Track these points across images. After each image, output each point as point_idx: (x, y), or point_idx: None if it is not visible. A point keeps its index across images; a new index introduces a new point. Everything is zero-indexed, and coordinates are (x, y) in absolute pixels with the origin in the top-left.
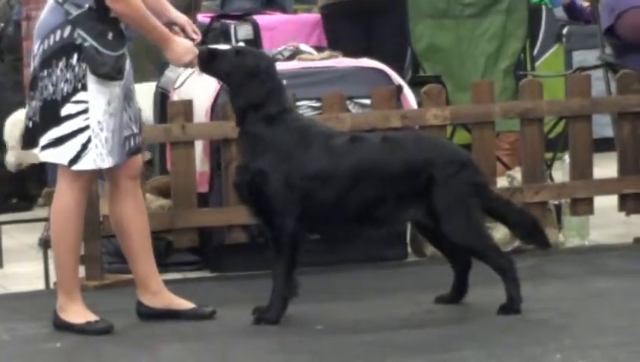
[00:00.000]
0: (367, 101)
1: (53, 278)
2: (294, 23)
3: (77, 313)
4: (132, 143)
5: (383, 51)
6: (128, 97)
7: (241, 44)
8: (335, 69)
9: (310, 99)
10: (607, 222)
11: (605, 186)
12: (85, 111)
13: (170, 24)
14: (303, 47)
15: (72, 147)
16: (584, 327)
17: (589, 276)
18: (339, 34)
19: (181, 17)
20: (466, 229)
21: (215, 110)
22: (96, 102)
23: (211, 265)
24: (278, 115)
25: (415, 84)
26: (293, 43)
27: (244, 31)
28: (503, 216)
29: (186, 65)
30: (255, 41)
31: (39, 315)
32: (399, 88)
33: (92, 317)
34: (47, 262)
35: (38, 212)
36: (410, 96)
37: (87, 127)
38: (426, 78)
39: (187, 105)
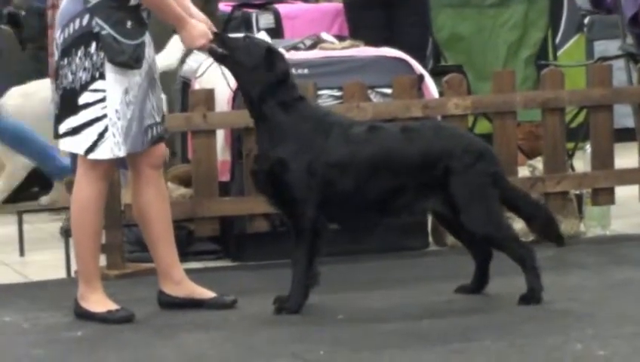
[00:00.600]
0: (388, 90)
1: (74, 267)
2: (316, 11)
3: (98, 302)
4: (154, 132)
5: (405, 41)
6: (152, 85)
7: (263, 32)
8: (356, 59)
9: (331, 88)
10: (628, 212)
11: (626, 176)
12: (103, 100)
13: None
14: (325, 36)
15: (88, 136)
16: (605, 317)
17: (610, 266)
18: (360, 23)
19: (200, 15)
20: (484, 219)
21: (237, 99)
22: (113, 91)
23: (232, 254)
24: (293, 102)
25: (436, 74)
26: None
27: (265, 20)
28: (518, 208)
29: (199, 49)
30: (277, 29)
31: (60, 304)
32: (420, 77)
33: (113, 306)
34: (68, 251)
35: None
36: (431, 86)
37: (104, 116)
38: (448, 67)
39: (209, 94)
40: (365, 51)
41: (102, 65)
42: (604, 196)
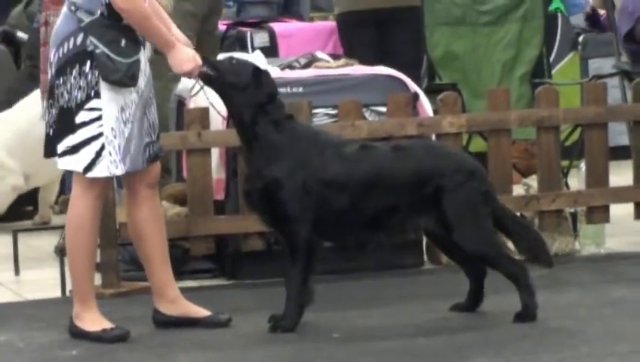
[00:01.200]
0: (383, 109)
1: (69, 286)
2: (311, 30)
3: (93, 321)
4: (151, 150)
5: (399, 59)
6: (148, 104)
7: (258, 51)
8: (351, 77)
9: (326, 106)
10: (623, 230)
11: (621, 194)
12: (99, 118)
13: None
14: (320, 54)
15: (86, 154)
16: (600, 335)
17: (605, 284)
18: (355, 42)
19: (183, 38)
20: (477, 237)
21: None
22: (109, 110)
23: (227, 272)
24: (284, 120)
25: (431, 92)
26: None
27: (260, 38)
28: (507, 229)
29: (187, 74)
30: (271, 48)
31: (55, 323)
32: (415, 96)
33: (108, 325)
34: (63, 270)
35: (54, 219)
36: (426, 104)
37: (100, 135)
38: (442, 85)
39: (203, 113)
40: (360, 70)
41: (97, 83)
42: (598, 214)
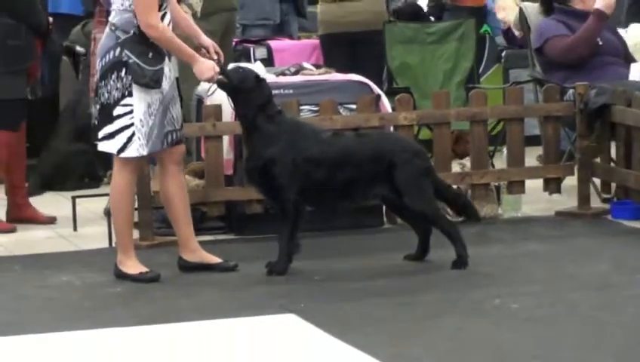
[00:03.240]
0: (353, 106)
1: (114, 239)
2: (299, 46)
3: (132, 266)
4: (174, 136)
5: (366, 68)
6: (173, 100)
7: (258, 62)
8: (329, 82)
9: (310, 104)
10: (535, 199)
11: (534, 172)
12: (131, 112)
13: (200, 47)
14: (305, 64)
15: (120, 140)
16: (518, 278)
17: (521, 240)
18: (333, 55)
19: (207, 41)
20: (420, 201)
21: None
22: (138, 105)
23: (235, 229)
24: (276, 115)
25: (390, 94)
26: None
27: (260, 52)
28: (444, 196)
29: (207, 80)
30: (269, 60)
31: (104, 267)
32: (378, 97)
33: (144, 269)
34: (110, 227)
35: (103, 188)
36: (386, 103)
37: (131, 124)
38: (399, 89)
39: (217, 109)
40: (336, 76)
41: (130, 85)
42: (517, 187)
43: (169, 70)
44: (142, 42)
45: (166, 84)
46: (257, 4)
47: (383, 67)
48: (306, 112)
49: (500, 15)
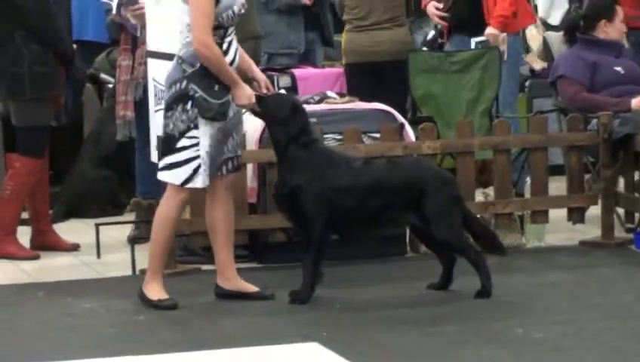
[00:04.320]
0: (377, 135)
1: (139, 266)
2: (322, 74)
3: (155, 290)
4: (234, 163)
5: (389, 98)
6: (236, 128)
7: (282, 90)
8: (353, 110)
9: (334, 133)
10: (558, 229)
11: (557, 202)
12: (197, 144)
13: (252, 80)
14: (329, 93)
15: (185, 171)
16: (541, 308)
17: (544, 270)
18: (357, 84)
19: (260, 75)
20: (448, 231)
21: (262, 140)
22: (204, 138)
23: (258, 258)
24: (310, 143)
25: (414, 123)
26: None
27: (284, 80)
28: (471, 228)
29: (243, 107)
30: (293, 88)
31: (127, 294)
32: (402, 126)
33: (164, 296)
34: (133, 254)
35: (127, 216)
36: (410, 132)
37: (198, 157)
38: (422, 118)
39: (241, 137)
40: (360, 105)
41: (196, 118)
42: (540, 216)
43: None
44: (208, 75)
45: (231, 112)
46: (282, 33)
47: (406, 96)
48: (330, 141)
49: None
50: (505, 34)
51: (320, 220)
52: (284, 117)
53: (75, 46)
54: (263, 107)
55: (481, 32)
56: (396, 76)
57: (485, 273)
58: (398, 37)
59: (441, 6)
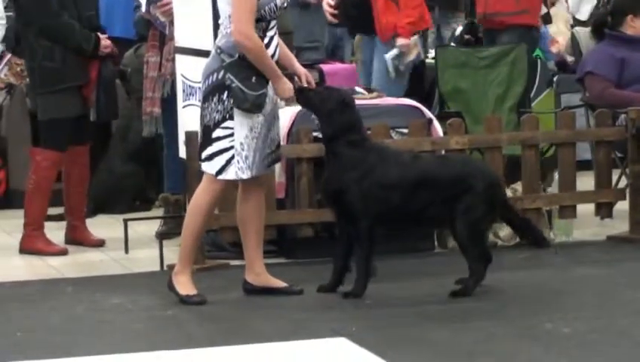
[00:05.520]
0: (405, 130)
1: (167, 262)
2: (350, 69)
3: (184, 284)
4: (272, 158)
5: (414, 93)
6: (272, 123)
7: None
8: (381, 106)
9: None
10: (586, 224)
11: (585, 196)
12: (231, 135)
13: (293, 74)
14: (357, 88)
15: (219, 162)
16: (569, 303)
17: (572, 264)
18: None
19: (300, 69)
20: (466, 228)
21: (290, 136)
22: (239, 129)
23: (286, 253)
24: (360, 141)
25: (442, 118)
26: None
27: (312, 76)
28: (518, 227)
29: (286, 100)
30: (321, 83)
31: (155, 290)
32: (430, 121)
33: (192, 291)
34: (161, 250)
35: (155, 211)
36: (438, 127)
37: (231, 147)
38: (450, 113)
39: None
40: (388, 100)
41: (231, 109)
42: (568, 211)
43: (272, 91)
44: (246, 66)
45: (269, 106)
46: (306, 26)
47: (430, 92)
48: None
49: (553, 48)
50: (416, 36)
51: (369, 217)
52: (330, 111)
53: (109, 43)
54: (311, 100)
55: (372, 31)
56: (421, 72)
57: (474, 280)
58: None
59: (333, 3)
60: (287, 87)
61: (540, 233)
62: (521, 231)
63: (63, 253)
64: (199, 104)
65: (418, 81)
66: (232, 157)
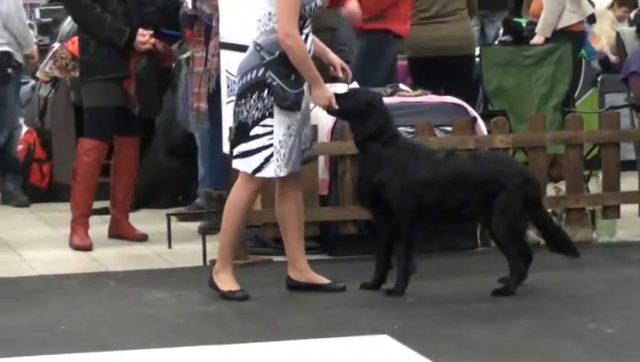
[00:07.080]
0: (449, 128)
1: (209, 256)
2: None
3: (225, 280)
4: (306, 155)
5: (454, 92)
6: (306, 119)
7: (355, 84)
8: (425, 103)
9: (406, 126)
10: (630, 224)
11: (629, 197)
12: (270, 133)
13: (329, 64)
14: (402, 86)
15: (257, 159)
16: (613, 304)
17: (616, 265)
18: (421, 79)
19: (335, 59)
20: (503, 227)
21: (334, 133)
22: (279, 127)
23: (328, 250)
24: (390, 139)
25: (486, 116)
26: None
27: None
28: (544, 229)
29: (322, 107)
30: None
31: (198, 285)
32: (474, 119)
33: (235, 287)
34: (204, 244)
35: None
36: (482, 125)
37: (270, 145)
38: (494, 111)
39: (313, 130)
40: (432, 98)
41: (271, 107)
42: (611, 212)
43: (307, 87)
44: (286, 65)
45: (304, 103)
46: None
47: (478, 89)
48: (402, 134)
49: (595, 45)
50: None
51: (407, 214)
52: (360, 115)
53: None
54: (340, 106)
55: None
56: (461, 72)
57: (515, 280)
58: (461, 33)
59: None
60: (325, 95)
61: (570, 242)
62: (549, 234)
63: (87, 248)
64: None
65: (466, 79)
66: (271, 155)
